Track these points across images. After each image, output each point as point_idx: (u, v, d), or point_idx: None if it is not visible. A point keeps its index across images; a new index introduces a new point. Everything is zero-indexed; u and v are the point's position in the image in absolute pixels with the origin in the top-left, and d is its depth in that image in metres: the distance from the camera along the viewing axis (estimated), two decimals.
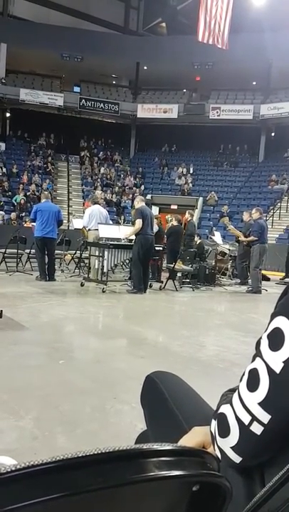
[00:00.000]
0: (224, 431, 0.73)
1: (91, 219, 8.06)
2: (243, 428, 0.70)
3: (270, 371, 0.68)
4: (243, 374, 0.74)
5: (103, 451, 0.41)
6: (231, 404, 0.73)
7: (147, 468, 0.44)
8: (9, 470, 0.38)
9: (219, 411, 0.75)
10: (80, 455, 0.40)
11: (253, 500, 0.62)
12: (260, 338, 0.73)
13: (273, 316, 0.71)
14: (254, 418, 0.69)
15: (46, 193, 9.35)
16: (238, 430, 0.71)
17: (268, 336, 0.70)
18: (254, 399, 0.69)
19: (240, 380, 0.74)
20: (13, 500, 0.37)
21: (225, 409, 0.74)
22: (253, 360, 0.73)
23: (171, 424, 1.02)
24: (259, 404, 0.69)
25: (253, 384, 0.70)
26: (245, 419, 0.70)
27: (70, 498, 0.38)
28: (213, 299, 7.84)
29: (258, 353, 0.72)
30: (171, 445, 0.47)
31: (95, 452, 0.41)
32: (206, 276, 9.02)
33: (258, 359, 0.71)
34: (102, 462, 0.41)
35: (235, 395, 0.73)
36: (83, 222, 8.42)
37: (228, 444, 0.72)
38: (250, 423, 0.70)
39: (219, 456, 0.73)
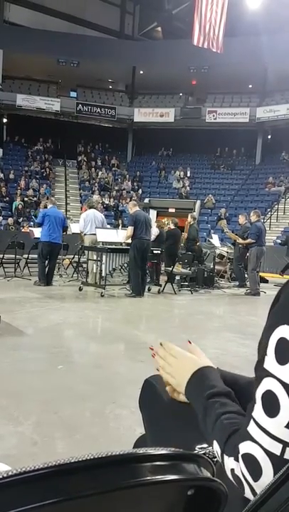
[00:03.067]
0: (256, 472, 0.63)
1: (86, 223, 8.08)
2: (276, 460, 0.62)
3: (288, 387, 0.62)
4: (252, 402, 0.67)
5: (96, 457, 0.41)
6: (253, 439, 0.64)
7: (141, 473, 0.44)
8: (3, 476, 0.38)
9: (241, 452, 0.65)
10: (73, 461, 0.40)
11: (250, 503, 0.61)
12: (261, 358, 0.67)
13: (272, 327, 0.66)
14: (286, 444, 0.62)
15: (53, 199, 9.40)
16: (271, 465, 0.63)
17: (275, 351, 0.64)
18: (279, 423, 0.62)
19: (252, 410, 0.66)
20: (5, 506, 0.37)
21: (246, 447, 0.65)
22: (259, 382, 0.66)
23: (170, 427, 1.01)
24: (287, 426, 0.62)
25: (271, 408, 0.63)
26: (276, 449, 0.63)
27: (63, 503, 0.38)
28: (212, 301, 7.84)
29: (265, 373, 0.65)
30: (166, 449, 0.47)
31: (88, 458, 0.41)
32: (205, 279, 9.03)
33: (266, 380, 0.65)
34: (95, 467, 0.41)
35: (253, 427, 0.65)
36: (79, 227, 8.45)
37: (264, 484, 0.62)
38: (283, 451, 0.62)
39: (251, 497, 0.64)
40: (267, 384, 0.64)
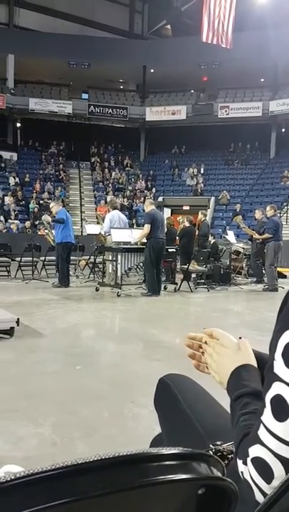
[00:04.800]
0: (268, 475, 0.64)
1: (112, 224, 8.03)
2: (287, 463, 0.63)
3: None
4: (262, 406, 0.67)
5: (104, 457, 0.41)
6: (262, 443, 0.65)
7: (151, 473, 0.44)
8: (12, 478, 0.38)
9: (251, 456, 0.66)
10: (81, 461, 0.40)
11: (264, 501, 0.61)
12: (271, 363, 0.67)
13: (280, 332, 0.66)
14: None
15: (59, 201, 9.43)
16: (282, 467, 0.63)
17: (282, 355, 0.65)
18: (288, 427, 0.63)
19: (262, 414, 0.67)
20: (16, 508, 0.37)
21: (256, 451, 0.65)
22: (269, 387, 0.67)
23: (185, 426, 1.01)
24: None
25: (280, 412, 0.64)
26: (286, 453, 0.63)
27: (73, 504, 0.39)
28: (229, 298, 7.80)
29: (274, 378, 0.66)
30: (175, 449, 0.47)
31: (96, 458, 0.41)
32: (221, 276, 8.97)
33: (276, 384, 0.65)
34: (103, 468, 0.41)
35: (263, 431, 0.65)
36: (104, 228, 8.36)
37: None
38: None
39: (261, 500, 0.64)
40: (276, 388, 0.65)
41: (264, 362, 0.85)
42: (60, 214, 7.97)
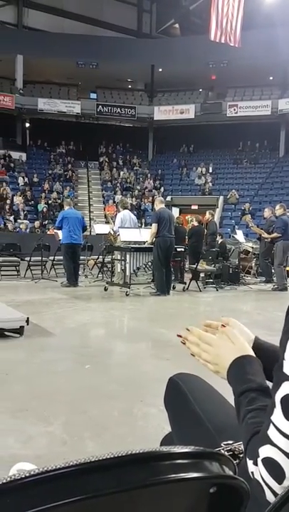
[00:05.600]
0: (279, 475, 0.64)
1: (123, 224, 8.04)
2: None
3: None
4: (271, 405, 0.67)
5: (116, 456, 0.42)
6: (272, 443, 0.65)
7: (162, 471, 0.44)
8: (25, 476, 0.39)
9: (261, 456, 0.66)
10: (93, 459, 0.41)
11: (275, 500, 0.61)
12: (280, 362, 0.68)
13: (288, 333, 0.67)
14: None
15: (68, 200, 9.47)
16: None
17: None
18: None
19: (271, 413, 0.67)
20: (29, 505, 0.38)
21: (267, 451, 0.65)
22: (279, 386, 0.67)
23: (195, 425, 1.02)
24: None
25: None
26: None
27: (85, 502, 0.39)
28: (238, 298, 7.77)
29: (284, 377, 0.66)
30: (187, 447, 0.47)
31: (108, 456, 0.41)
32: (230, 276, 8.94)
33: (285, 384, 0.66)
34: (115, 466, 0.42)
35: (273, 431, 0.65)
36: (115, 227, 8.39)
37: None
38: None
39: (272, 500, 0.64)
40: (286, 388, 0.65)
41: (265, 351, 0.85)
42: (57, 218, 8.14)
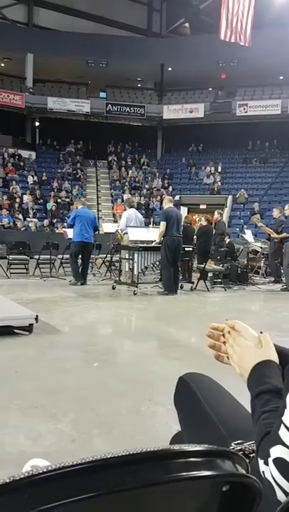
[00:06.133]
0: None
1: (128, 222, 8.06)
2: None
3: None
4: (282, 406, 0.68)
5: (131, 453, 0.42)
6: (284, 444, 0.66)
7: (176, 469, 0.44)
8: (42, 471, 0.40)
9: (272, 456, 0.66)
10: (109, 456, 0.41)
11: (286, 499, 0.61)
12: None
13: None
14: None
15: (82, 199, 9.53)
16: None
17: None
18: None
19: (282, 414, 0.67)
20: (46, 500, 0.39)
21: (278, 452, 0.66)
22: None
23: (205, 424, 1.02)
24: None
25: None
26: None
27: (101, 498, 0.40)
28: (246, 298, 7.74)
29: None
30: (200, 446, 0.47)
31: (124, 453, 0.42)
32: (239, 276, 8.91)
33: None
34: (130, 463, 0.42)
35: (284, 432, 0.66)
36: (120, 226, 8.41)
37: None
38: None
39: (283, 499, 0.64)
40: None
41: (284, 356, 0.85)
42: (70, 216, 8.17)
